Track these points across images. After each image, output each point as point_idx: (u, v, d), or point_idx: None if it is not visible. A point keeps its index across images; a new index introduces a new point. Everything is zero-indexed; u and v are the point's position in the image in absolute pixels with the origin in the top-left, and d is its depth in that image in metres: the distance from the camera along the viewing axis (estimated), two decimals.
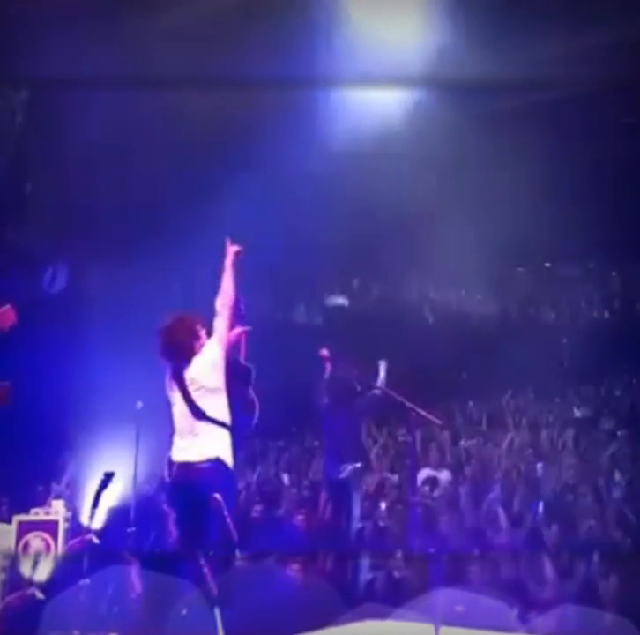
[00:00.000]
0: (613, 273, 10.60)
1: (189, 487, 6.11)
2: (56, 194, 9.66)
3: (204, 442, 6.07)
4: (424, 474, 9.12)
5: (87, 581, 6.82)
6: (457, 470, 9.61)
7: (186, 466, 6.07)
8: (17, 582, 7.13)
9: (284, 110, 9.62)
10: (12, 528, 8.18)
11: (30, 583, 6.88)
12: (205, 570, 6.04)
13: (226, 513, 6.44)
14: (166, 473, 6.27)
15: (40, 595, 6.29)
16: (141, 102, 9.23)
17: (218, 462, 6.06)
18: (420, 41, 9.03)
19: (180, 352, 6.17)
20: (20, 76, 8.96)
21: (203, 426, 6.07)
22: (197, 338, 6.20)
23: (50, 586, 6.92)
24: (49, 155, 9.49)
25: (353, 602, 7.38)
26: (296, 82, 9.37)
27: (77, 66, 8.80)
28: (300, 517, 8.56)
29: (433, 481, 9.18)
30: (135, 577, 7.16)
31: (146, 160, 9.72)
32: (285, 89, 9.43)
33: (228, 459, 6.08)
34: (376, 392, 8.31)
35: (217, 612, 5.92)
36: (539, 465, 9.29)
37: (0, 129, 9.27)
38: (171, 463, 6.19)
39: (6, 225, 9.58)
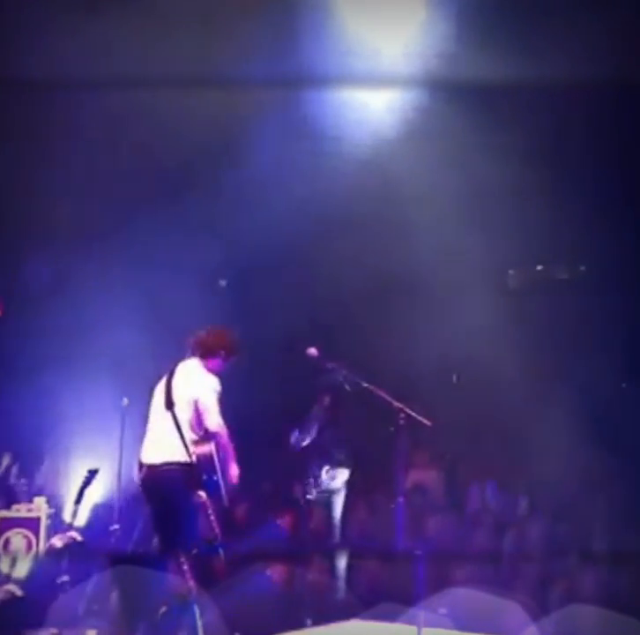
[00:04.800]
0: (605, 276, 10.55)
1: (155, 488, 6.19)
2: (46, 191, 9.64)
3: (168, 445, 6.12)
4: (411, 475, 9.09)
5: (67, 578, 6.76)
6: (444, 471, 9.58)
7: (153, 468, 6.15)
8: None
9: (280, 111, 9.62)
10: None
11: (8, 579, 6.79)
12: (186, 568, 6.01)
13: (210, 512, 6.45)
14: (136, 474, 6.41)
15: (18, 592, 6.21)
16: (134, 102, 9.23)
17: (182, 465, 6.10)
18: (420, 41, 9.01)
19: (199, 352, 6.30)
20: (16, 76, 8.93)
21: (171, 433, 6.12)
22: (216, 354, 6.33)
23: (30, 584, 6.85)
24: (40, 153, 9.46)
25: (339, 604, 7.36)
26: (291, 82, 9.35)
27: (73, 66, 8.77)
28: (284, 518, 8.51)
29: (419, 483, 9.15)
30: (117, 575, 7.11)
31: (139, 159, 9.73)
32: (280, 89, 9.42)
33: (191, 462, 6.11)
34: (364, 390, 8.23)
35: (196, 610, 5.88)
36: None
37: None
38: (140, 465, 6.29)
39: None
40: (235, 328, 6.90)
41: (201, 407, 6.12)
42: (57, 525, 8.21)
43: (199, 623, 5.83)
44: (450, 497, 9.35)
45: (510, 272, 11.01)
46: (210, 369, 6.34)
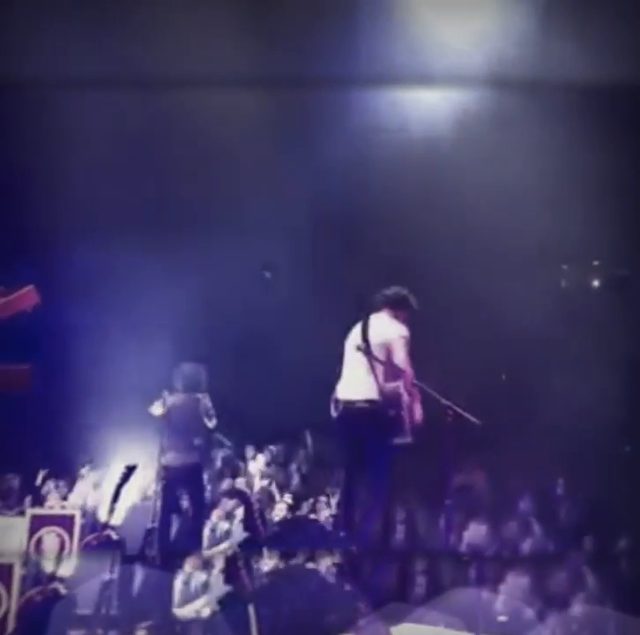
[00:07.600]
0: None
1: (350, 421, 6.62)
2: (99, 186, 9.66)
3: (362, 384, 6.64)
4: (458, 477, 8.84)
5: (111, 577, 6.51)
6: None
7: (349, 404, 6.63)
8: (36, 577, 6.80)
9: (327, 111, 9.60)
10: (26, 522, 7.83)
11: (51, 578, 6.55)
12: (240, 565, 5.82)
13: (255, 509, 6.40)
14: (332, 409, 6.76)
15: (63, 590, 5.98)
16: (181, 100, 9.26)
17: (372, 402, 6.57)
18: (477, 38, 8.94)
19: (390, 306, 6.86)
20: (17, 76, 8.84)
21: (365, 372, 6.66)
22: (406, 306, 6.89)
23: (72, 583, 6.62)
24: (83, 149, 9.44)
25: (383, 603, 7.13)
26: (341, 81, 9.29)
27: (82, 66, 8.71)
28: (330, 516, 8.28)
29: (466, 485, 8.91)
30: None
31: (193, 153, 9.78)
32: (327, 89, 9.35)
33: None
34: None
35: (251, 609, 5.64)
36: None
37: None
38: (337, 401, 6.71)
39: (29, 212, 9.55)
40: None
41: (391, 348, 6.64)
42: (92, 523, 7.97)
43: (254, 622, 5.58)
44: (498, 500, 9.11)
45: (564, 267, 10.83)
46: (398, 317, 6.85)
